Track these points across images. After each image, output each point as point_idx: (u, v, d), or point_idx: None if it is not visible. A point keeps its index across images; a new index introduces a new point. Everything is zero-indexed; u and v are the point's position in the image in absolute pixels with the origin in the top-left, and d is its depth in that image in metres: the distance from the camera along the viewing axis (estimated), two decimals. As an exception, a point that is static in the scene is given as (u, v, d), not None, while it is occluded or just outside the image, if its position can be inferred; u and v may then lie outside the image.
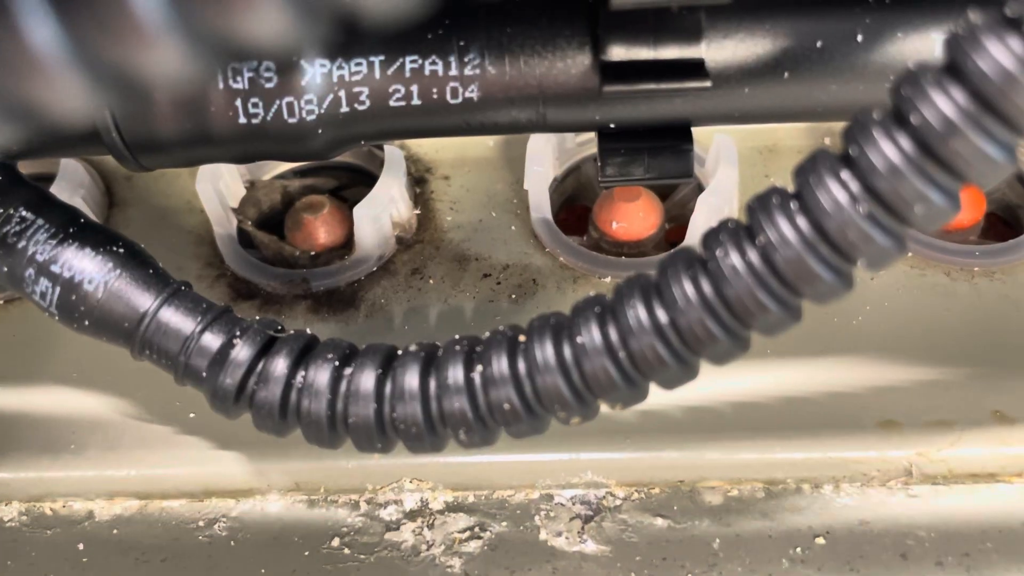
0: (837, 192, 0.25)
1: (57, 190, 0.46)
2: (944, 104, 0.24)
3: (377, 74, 0.34)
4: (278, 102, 0.34)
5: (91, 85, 0.16)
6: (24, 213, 0.35)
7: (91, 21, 0.15)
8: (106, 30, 0.15)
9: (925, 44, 0.34)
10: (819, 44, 0.33)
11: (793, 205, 0.26)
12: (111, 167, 0.51)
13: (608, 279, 0.46)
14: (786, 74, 0.34)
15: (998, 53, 0.23)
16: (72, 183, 0.47)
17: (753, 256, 0.27)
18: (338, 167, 0.52)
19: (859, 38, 0.33)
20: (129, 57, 0.15)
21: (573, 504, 0.40)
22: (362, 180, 0.51)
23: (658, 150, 0.36)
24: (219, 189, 0.47)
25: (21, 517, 0.42)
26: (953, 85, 0.24)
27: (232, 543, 0.40)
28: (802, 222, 0.26)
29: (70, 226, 0.35)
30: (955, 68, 0.24)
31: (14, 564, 0.40)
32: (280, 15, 0.15)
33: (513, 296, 0.46)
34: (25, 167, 0.39)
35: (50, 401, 0.43)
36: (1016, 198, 0.49)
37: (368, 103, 0.34)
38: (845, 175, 0.25)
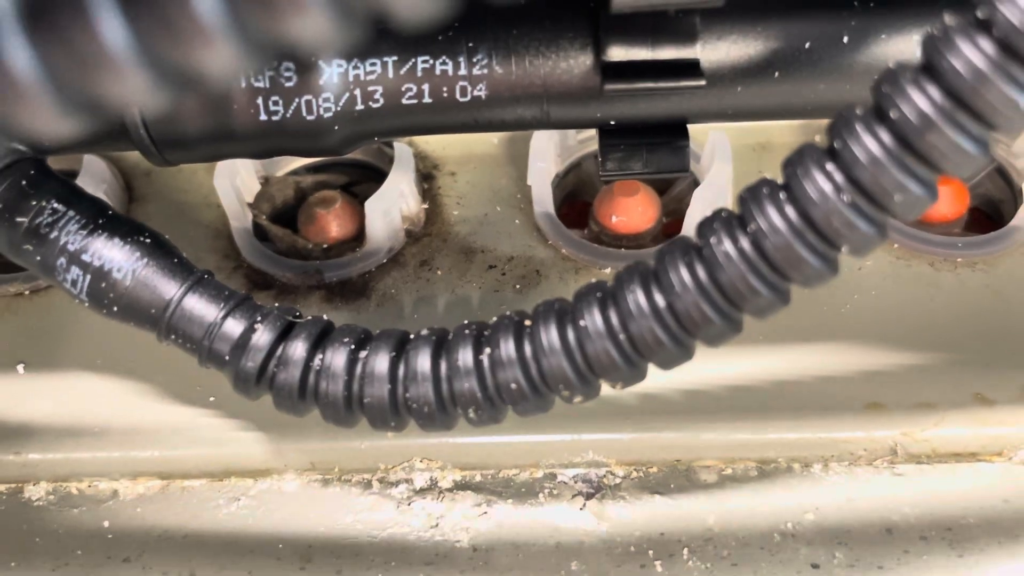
0: (822, 183, 0.27)
1: (81, 185, 0.47)
2: (920, 100, 0.25)
3: (391, 73, 0.35)
4: (297, 100, 0.35)
5: (154, 82, 0.18)
6: (56, 205, 0.36)
7: (157, 21, 0.17)
8: (171, 30, 0.17)
9: (907, 46, 0.35)
10: (807, 45, 0.34)
11: (782, 195, 0.27)
12: (131, 163, 0.52)
13: (608, 270, 0.47)
14: (776, 74, 0.35)
15: (970, 53, 0.24)
16: (95, 178, 0.48)
17: (745, 243, 0.28)
18: (349, 164, 0.52)
19: (845, 40, 0.34)
20: (189, 56, 0.17)
21: (575, 482, 0.41)
22: (372, 176, 0.52)
23: (656, 146, 0.37)
24: (236, 185, 0.48)
25: (48, 496, 0.42)
26: (929, 83, 0.25)
27: (251, 520, 0.41)
28: (790, 211, 0.27)
29: (99, 217, 0.36)
30: (931, 67, 0.25)
31: (42, 541, 0.41)
32: (325, 20, 0.17)
33: (517, 286, 0.46)
34: (49, 163, 0.40)
35: (76, 386, 0.44)
36: (998, 192, 0.50)
37: (382, 101, 0.35)
38: (830, 167, 0.27)
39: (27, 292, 0.48)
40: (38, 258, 0.36)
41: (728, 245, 0.28)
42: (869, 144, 0.26)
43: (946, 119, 0.25)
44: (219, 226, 0.50)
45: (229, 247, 0.49)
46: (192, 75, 0.18)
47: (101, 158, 0.50)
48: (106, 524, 0.42)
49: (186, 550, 0.41)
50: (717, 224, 0.29)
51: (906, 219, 0.27)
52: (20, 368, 0.45)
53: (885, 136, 0.26)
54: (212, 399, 0.43)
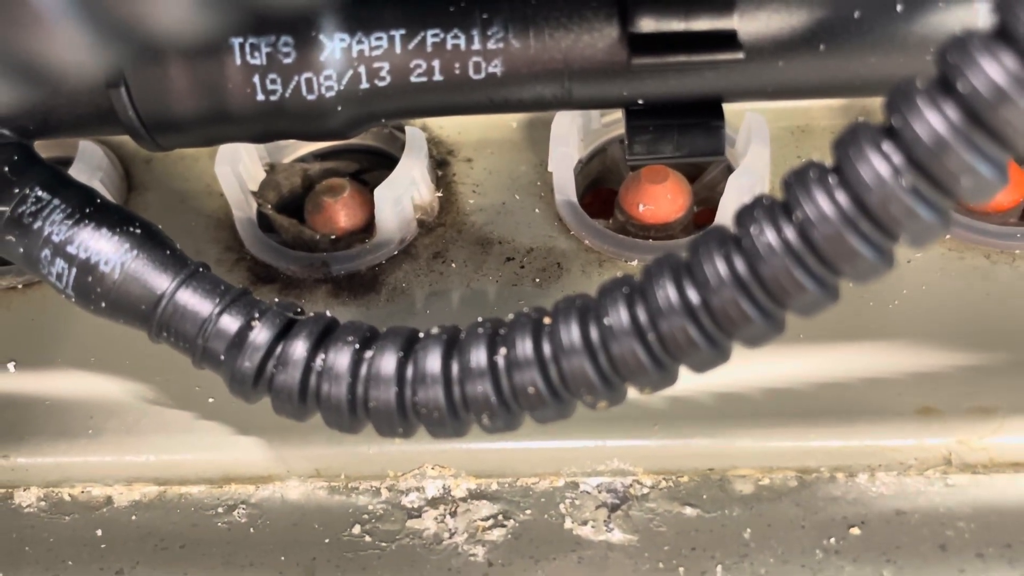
0: (879, 165, 0.24)
1: (75, 173, 0.45)
2: (994, 70, 0.23)
3: (398, 49, 0.33)
4: (296, 78, 0.33)
5: (95, 39, 0.15)
6: (40, 193, 0.34)
7: None
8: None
9: (968, 14, 0.32)
10: (857, 14, 0.32)
11: (832, 179, 0.25)
12: (130, 150, 0.51)
13: (635, 263, 0.45)
14: (822, 46, 0.33)
15: None
16: (90, 166, 0.47)
17: (789, 233, 0.26)
18: (359, 150, 0.51)
19: (899, 8, 0.32)
20: (132, 5, 0.14)
21: (599, 492, 0.39)
22: (384, 163, 0.50)
23: (688, 127, 0.35)
24: (238, 172, 0.46)
25: (39, 503, 0.41)
26: (1004, 50, 0.23)
27: (251, 530, 0.40)
28: (841, 197, 0.25)
29: (86, 206, 0.34)
30: (1006, 32, 0.23)
31: (32, 550, 0.40)
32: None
33: (537, 280, 0.45)
34: (43, 150, 0.38)
35: (68, 385, 0.43)
36: (1058, 179, 0.47)
37: (389, 79, 0.34)
38: (887, 147, 0.24)
39: (19, 286, 0.47)
40: (21, 250, 0.35)
41: (771, 235, 0.26)
42: (933, 120, 0.24)
43: (1024, 91, 0.23)
44: (221, 216, 0.49)
45: (232, 238, 0.48)
46: (143, 29, 0.15)
47: (98, 144, 0.49)
48: (99, 533, 0.40)
49: (183, 561, 0.39)
50: (758, 212, 0.27)
51: (972, 205, 0.25)
52: (11, 366, 0.44)
53: (951, 111, 0.24)
54: (211, 400, 0.42)
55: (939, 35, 0.32)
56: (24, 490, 0.42)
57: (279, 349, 0.33)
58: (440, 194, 0.48)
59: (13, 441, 0.41)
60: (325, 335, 0.33)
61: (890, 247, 0.26)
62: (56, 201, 0.34)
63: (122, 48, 0.16)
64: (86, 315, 0.35)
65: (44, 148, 0.46)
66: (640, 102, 0.35)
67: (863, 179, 0.25)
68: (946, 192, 0.24)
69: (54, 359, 0.44)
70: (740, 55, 0.32)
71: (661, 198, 0.46)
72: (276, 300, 0.34)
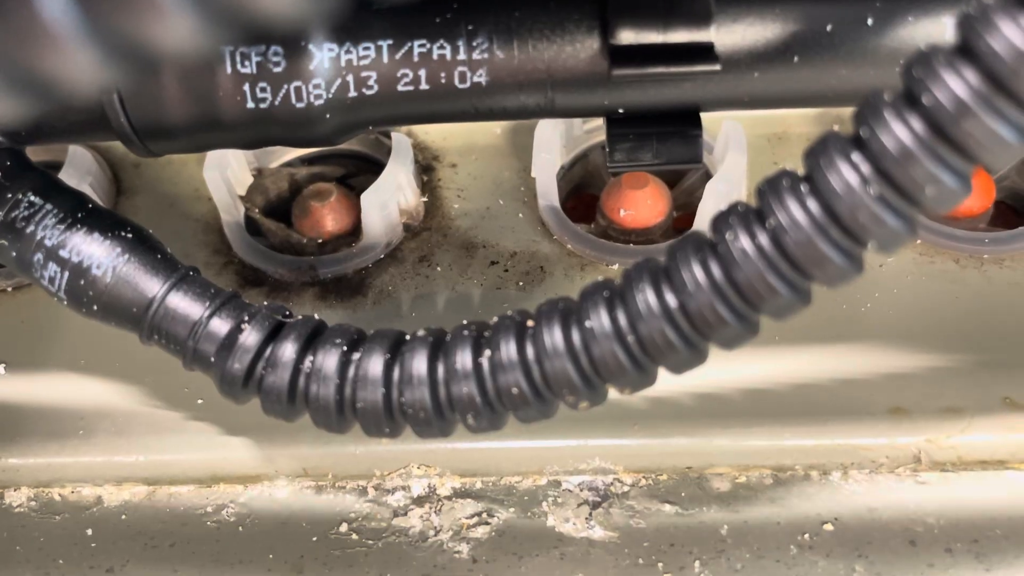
0: (848, 174, 0.25)
1: (64, 177, 0.46)
2: (956, 85, 0.23)
3: (385, 58, 0.34)
4: (286, 87, 0.34)
5: (103, 57, 0.16)
6: (32, 198, 0.35)
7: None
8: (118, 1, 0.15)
9: (936, 28, 0.33)
10: (829, 28, 0.33)
11: (803, 187, 0.26)
12: (119, 155, 0.51)
13: (616, 266, 0.46)
14: (796, 58, 0.34)
15: (1011, 33, 0.23)
16: (80, 170, 0.47)
17: (763, 239, 0.26)
18: (346, 155, 0.51)
19: (869, 22, 0.33)
20: (140, 27, 0.15)
21: (581, 490, 0.40)
22: (370, 168, 0.50)
23: (667, 135, 0.36)
24: (226, 177, 0.47)
25: (30, 502, 0.41)
26: (965, 66, 0.23)
27: (240, 528, 0.40)
28: (812, 204, 0.26)
29: (78, 211, 0.35)
30: (967, 49, 0.23)
31: (23, 549, 0.40)
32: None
33: (520, 283, 0.45)
34: (32, 155, 0.38)
35: (59, 387, 0.43)
36: (1026, 185, 0.48)
37: (376, 88, 0.34)
38: (856, 157, 0.25)
39: (9, 289, 0.47)
40: (14, 254, 0.35)
41: (745, 241, 0.27)
42: (899, 132, 0.25)
43: (984, 105, 0.23)
44: (210, 220, 0.49)
45: (220, 242, 0.48)
46: (147, 49, 0.16)
47: (87, 149, 0.49)
48: (89, 532, 0.41)
49: (172, 560, 0.40)
50: (733, 218, 0.27)
51: (937, 213, 0.25)
52: (1, 368, 0.44)
53: (916, 123, 0.25)
54: (200, 402, 0.42)
55: (908, 48, 0.33)
56: (14, 490, 0.42)
57: (268, 351, 0.33)
58: (425, 199, 0.49)
59: (4, 442, 0.42)
60: (313, 337, 0.33)
61: (859, 253, 0.26)
62: (48, 206, 0.35)
63: (121, 63, 0.17)
64: (76, 317, 0.35)
65: (33, 152, 0.46)
66: (620, 111, 0.35)
67: (833, 187, 0.25)
68: (912, 201, 0.25)
69: (44, 361, 0.44)
70: (717, 67, 0.33)
71: (641, 203, 0.46)
72: (265, 303, 0.35)
